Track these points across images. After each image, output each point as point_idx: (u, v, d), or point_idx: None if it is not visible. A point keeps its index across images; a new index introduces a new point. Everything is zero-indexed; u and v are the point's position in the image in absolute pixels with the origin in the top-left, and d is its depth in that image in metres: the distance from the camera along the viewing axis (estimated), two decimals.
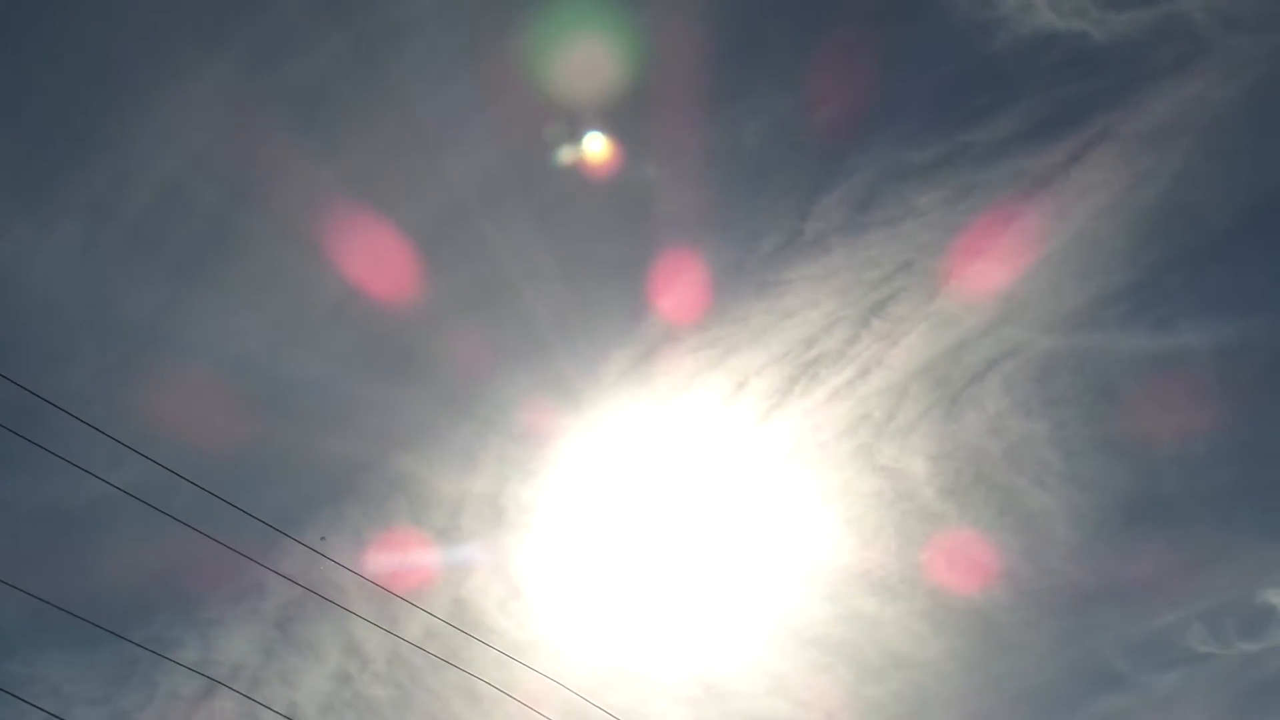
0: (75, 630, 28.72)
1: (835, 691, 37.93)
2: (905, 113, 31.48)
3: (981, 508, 34.95)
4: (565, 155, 30.17)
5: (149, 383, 29.89)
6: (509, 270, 31.13)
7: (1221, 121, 30.91)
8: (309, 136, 29.58)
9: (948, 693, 38.82)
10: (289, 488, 32.57)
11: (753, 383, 32.59)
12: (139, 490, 21.04)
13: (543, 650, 33.82)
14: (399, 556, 33.30)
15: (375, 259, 29.72)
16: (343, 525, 32.35)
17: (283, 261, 30.37)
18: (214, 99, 28.99)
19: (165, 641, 32.26)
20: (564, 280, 31.65)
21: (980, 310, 32.11)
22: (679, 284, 31.46)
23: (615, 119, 30.26)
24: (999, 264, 31.47)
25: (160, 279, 30.25)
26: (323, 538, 29.33)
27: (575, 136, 30.17)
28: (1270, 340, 33.24)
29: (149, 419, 29.10)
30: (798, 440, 33.59)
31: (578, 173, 30.64)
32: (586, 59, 29.46)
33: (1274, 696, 38.62)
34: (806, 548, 35.41)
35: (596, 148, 30.15)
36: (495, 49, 29.73)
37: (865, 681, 38.01)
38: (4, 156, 28.25)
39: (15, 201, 28.57)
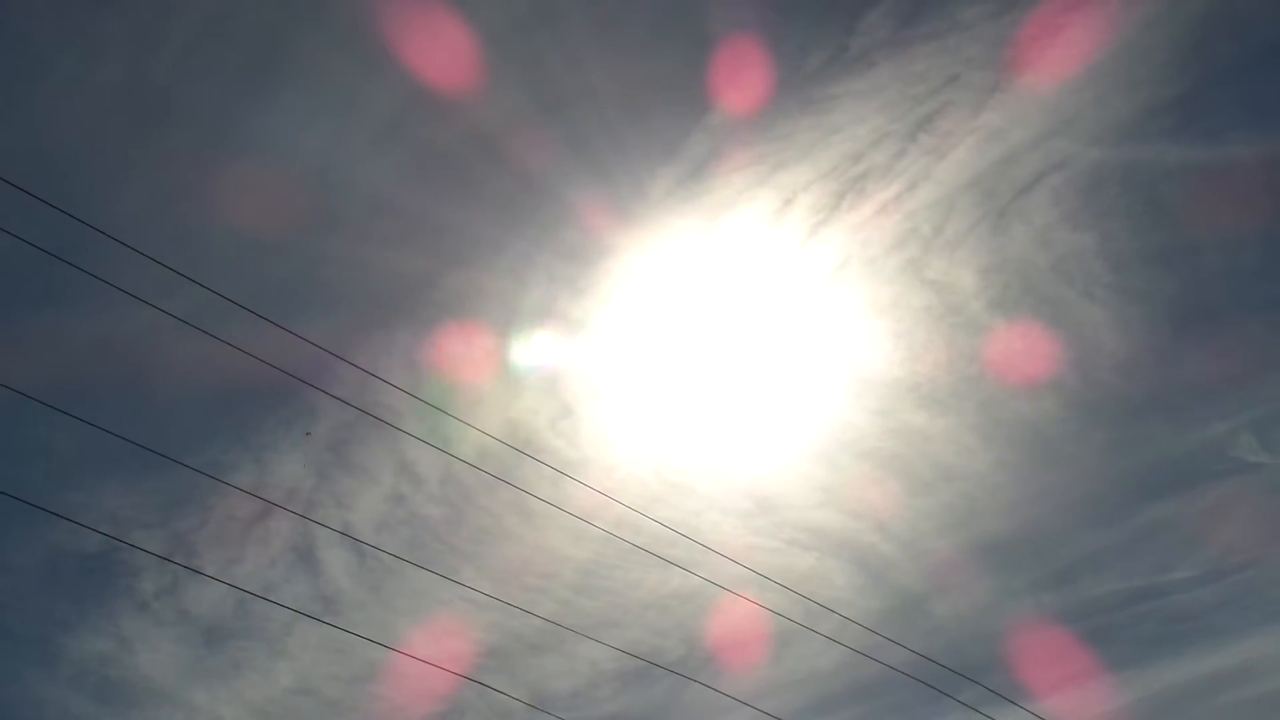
0: (130, 457, 30.14)
1: (886, 504, 39.14)
2: None
3: (1030, 320, 35.67)
4: None
5: (201, 207, 30.77)
6: (561, 87, 31.58)
7: None
8: None
9: (998, 504, 40.09)
10: (340, 309, 33.74)
11: (800, 199, 33.08)
12: (193, 317, 22.33)
13: (594, 468, 35.12)
14: (449, 377, 34.21)
15: (427, 76, 30.25)
16: (393, 347, 33.44)
17: (335, 80, 30.76)
18: None
19: (221, 466, 33.62)
20: (612, 97, 32.01)
21: (1027, 123, 32.48)
22: (724, 101, 32.00)
23: None
24: (1046, 77, 31.81)
25: (210, 99, 30.78)
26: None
27: None
28: None
29: (202, 244, 30.35)
30: (846, 255, 34.22)
31: None
32: None
33: None
34: (856, 362, 36.28)
35: None
36: None
37: (916, 494, 39.37)
38: None
39: (57, 32, 29.17)
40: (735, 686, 33.38)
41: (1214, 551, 41.15)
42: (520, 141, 31.70)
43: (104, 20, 29.19)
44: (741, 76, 31.64)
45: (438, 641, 35.21)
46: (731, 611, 36.44)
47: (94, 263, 20.65)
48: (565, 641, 38.29)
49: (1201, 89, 33.01)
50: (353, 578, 37.09)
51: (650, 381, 36.04)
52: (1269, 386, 38.20)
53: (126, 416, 24.45)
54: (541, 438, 35.10)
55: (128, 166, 30.82)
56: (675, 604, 38.62)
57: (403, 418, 28.65)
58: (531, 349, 34.95)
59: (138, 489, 34.50)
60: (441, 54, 29.74)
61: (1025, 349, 36.14)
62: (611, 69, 31.51)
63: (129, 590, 37.02)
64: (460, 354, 34.18)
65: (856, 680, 39.02)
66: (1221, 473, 39.73)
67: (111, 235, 19.99)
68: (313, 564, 36.88)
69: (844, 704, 40.58)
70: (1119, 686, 41.17)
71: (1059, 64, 31.79)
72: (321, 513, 36.46)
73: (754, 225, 33.56)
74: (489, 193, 32.94)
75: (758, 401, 36.80)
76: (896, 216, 33.70)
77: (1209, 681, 41.84)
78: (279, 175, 30.93)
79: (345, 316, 33.26)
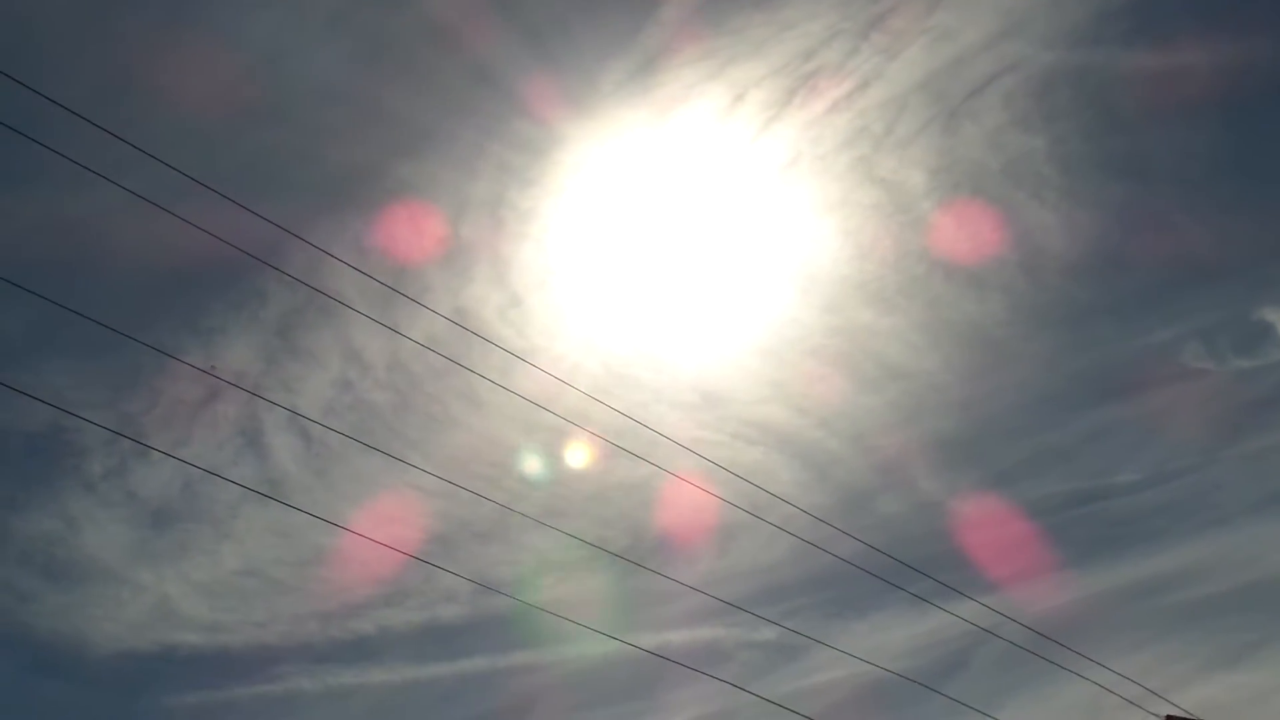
0: (77, 338, 30.53)
1: (832, 400, 39.88)
2: None
3: (979, 222, 36.37)
4: None
5: (153, 88, 30.96)
6: None
7: None
8: None
9: (944, 403, 40.98)
10: (288, 194, 33.93)
11: (751, 94, 33.69)
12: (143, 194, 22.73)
13: (542, 358, 35.46)
14: (398, 264, 34.54)
15: None
16: (342, 234, 33.19)
17: None
18: None
19: (168, 349, 34.08)
20: None
21: (980, 24, 33.13)
22: None
23: None
24: None
25: None
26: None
27: None
28: (1270, 59, 34.44)
29: (147, 125, 30.51)
30: (796, 152, 34.94)
31: None
32: None
33: (1267, 412, 40.78)
34: (804, 259, 37.05)
35: None
36: None
37: (862, 391, 40.18)
38: None
39: None
40: (681, 577, 34.13)
41: (1157, 456, 42.13)
42: (471, 31, 32.05)
43: None
44: None
45: (383, 527, 35.59)
46: (677, 503, 36.98)
47: (46, 136, 20.80)
48: (511, 530, 38.93)
49: None
50: (299, 462, 37.76)
51: (599, 273, 36.70)
52: (1215, 294, 39.40)
53: (73, 296, 24.69)
54: (490, 327, 35.46)
55: (80, 41, 31.05)
56: (620, 495, 39.33)
57: (351, 302, 28.95)
58: (480, 238, 35.44)
59: (85, 370, 34.91)
60: None
61: (974, 250, 36.78)
62: None
63: (76, 471, 37.69)
64: (409, 242, 34.52)
65: (804, 573, 39.82)
66: (1166, 378, 40.67)
67: (66, 106, 20.07)
68: (260, 448, 37.50)
69: (791, 595, 41.28)
70: (1060, 586, 41.98)
71: None
72: (269, 397, 37.07)
73: (705, 120, 34.11)
74: (439, 82, 33.42)
75: (705, 296, 37.43)
76: (848, 114, 34.39)
77: (1150, 584, 42.78)
78: (228, 59, 31.23)
79: (293, 202, 33.24)
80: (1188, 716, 28.60)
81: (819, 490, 40.82)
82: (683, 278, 36.82)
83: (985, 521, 41.42)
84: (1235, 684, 39.18)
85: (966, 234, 36.36)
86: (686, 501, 35.28)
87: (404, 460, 29.91)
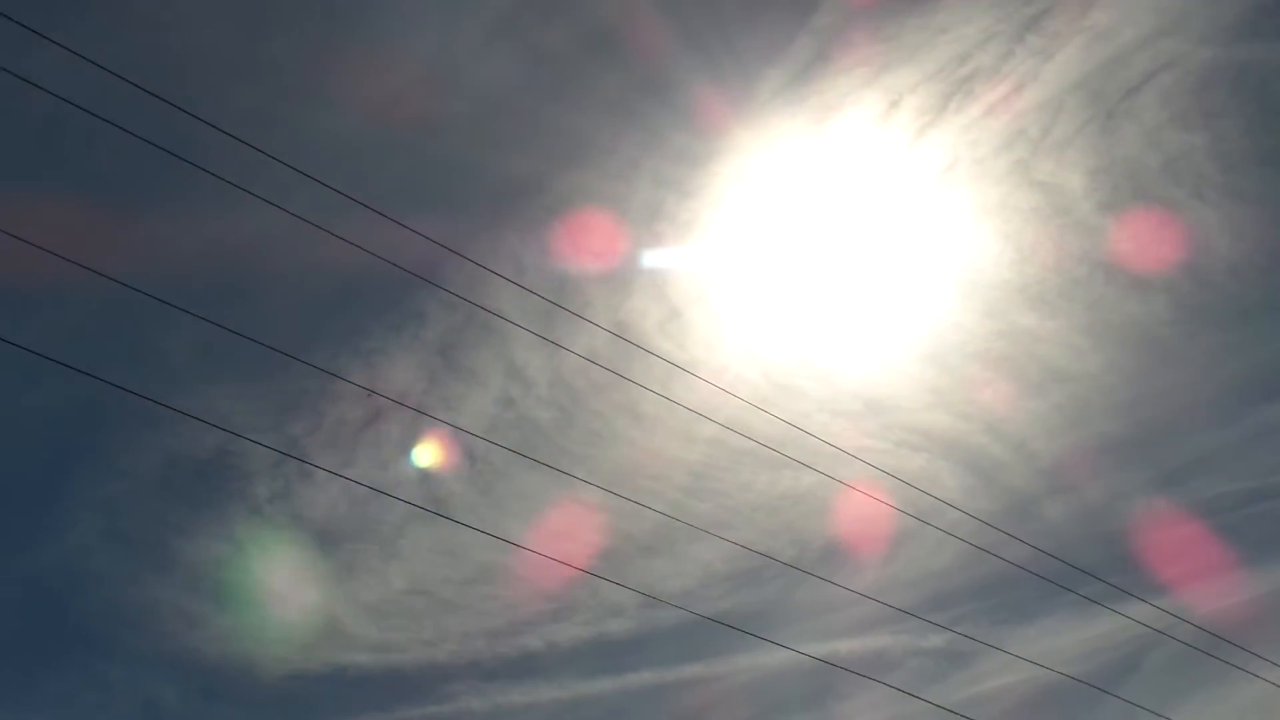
0: (240, 362, 31.12)
1: (996, 405, 39.86)
2: None
3: (1140, 222, 36.23)
4: None
5: (310, 107, 32.10)
6: None
7: None
8: None
9: (1109, 405, 40.76)
10: (446, 211, 34.35)
11: (907, 100, 33.74)
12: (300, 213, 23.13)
13: (703, 370, 35.62)
14: (557, 278, 35.08)
15: None
16: (500, 249, 34.02)
17: None
18: None
19: (330, 370, 34.83)
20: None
21: (1136, 23, 32.91)
22: (830, 1, 32.66)
23: None
24: None
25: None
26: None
27: None
28: None
29: (311, 139, 31.25)
30: (954, 156, 34.92)
31: None
32: None
33: None
34: (964, 263, 37.06)
35: None
36: None
37: (1026, 395, 40.05)
38: None
39: None
40: (848, 584, 34.17)
41: None
42: (629, 42, 32.39)
43: None
44: None
45: (548, 543, 36.01)
46: (843, 512, 37.18)
47: (202, 158, 21.17)
48: (676, 543, 39.27)
49: None
50: (463, 480, 38.19)
51: (758, 284, 36.76)
52: None
53: (233, 319, 25.20)
54: (650, 339, 35.80)
55: (237, 59, 31.86)
56: (785, 505, 39.64)
57: (511, 318, 29.20)
58: (639, 251, 35.81)
59: (248, 394, 35.76)
60: None
61: (1135, 251, 36.59)
62: None
63: (242, 494, 38.39)
64: (567, 257, 35.01)
65: (970, 579, 40.06)
66: None
67: (224, 130, 20.46)
68: (424, 467, 37.86)
69: (958, 601, 41.36)
70: (1232, 586, 41.58)
71: None
72: (431, 417, 37.61)
73: (862, 127, 34.24)
74: (598, 94, 33.71)
75: (866, 303, 37.52)
76: (1004, 118, 34.33)
77: None
78: (388, 74, 31.92)
79: (451, 218, 33.66)
80: None
81: (984, 496, 40.81)
82: (843, 285, 36.97)
83: (1154, 522, 41.27)
84: None
85: (1127, 235, 36.24)
86: (852, 510, 35.46)
87: (568, 474, 30.56)
